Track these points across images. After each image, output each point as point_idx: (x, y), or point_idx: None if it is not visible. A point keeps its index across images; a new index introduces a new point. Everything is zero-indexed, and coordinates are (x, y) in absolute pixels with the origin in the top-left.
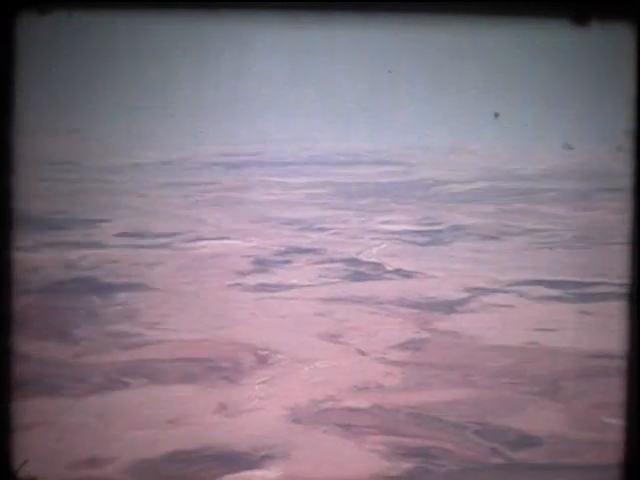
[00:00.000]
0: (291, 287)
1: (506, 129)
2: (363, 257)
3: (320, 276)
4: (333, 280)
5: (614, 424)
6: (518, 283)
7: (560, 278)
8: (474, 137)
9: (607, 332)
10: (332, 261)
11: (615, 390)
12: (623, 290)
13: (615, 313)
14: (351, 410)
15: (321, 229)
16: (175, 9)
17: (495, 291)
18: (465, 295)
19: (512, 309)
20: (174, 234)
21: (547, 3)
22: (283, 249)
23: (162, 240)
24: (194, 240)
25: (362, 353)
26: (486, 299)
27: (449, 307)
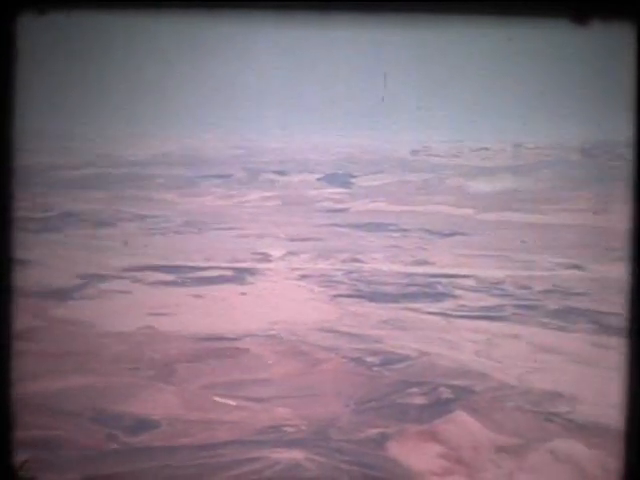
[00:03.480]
0: None
1: (126, 114)
2: None
3: None
4: None
5: (224, 403)
6: (133, 269)
7: (173, 263)
8: (92, 123)
9: (218, 315)
10: None
11: (224, 371)
12: (231, 273)
13: (226, 296)
14: None
15: None
16: (174, 9)
17: (110, 277)
18: (80, 282)
19: (128, 295)
20: None
21: (547, 3)
22: None
23: None
24: None
25: None
26: (102, 285)
27: (64, 294)
